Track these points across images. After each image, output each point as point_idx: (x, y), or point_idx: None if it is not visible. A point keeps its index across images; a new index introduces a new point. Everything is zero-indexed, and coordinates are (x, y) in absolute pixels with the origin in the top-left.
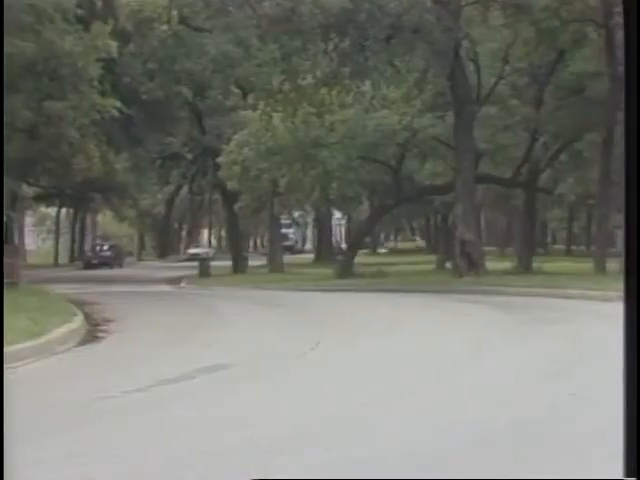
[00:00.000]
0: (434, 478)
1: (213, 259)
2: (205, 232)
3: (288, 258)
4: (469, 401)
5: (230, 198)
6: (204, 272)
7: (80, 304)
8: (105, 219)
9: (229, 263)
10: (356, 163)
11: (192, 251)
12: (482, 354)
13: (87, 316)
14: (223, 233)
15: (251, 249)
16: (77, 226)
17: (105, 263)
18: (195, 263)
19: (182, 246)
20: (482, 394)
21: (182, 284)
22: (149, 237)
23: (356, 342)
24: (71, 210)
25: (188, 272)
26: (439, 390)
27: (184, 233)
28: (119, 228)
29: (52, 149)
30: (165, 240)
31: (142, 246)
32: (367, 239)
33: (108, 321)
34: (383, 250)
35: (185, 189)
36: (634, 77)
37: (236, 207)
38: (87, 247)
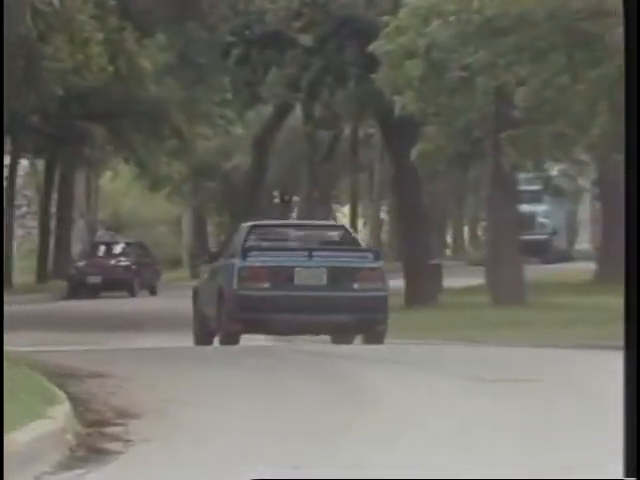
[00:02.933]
0: (434, 478)
1: None
2: (343, 211)
3: (535, 271)
4: None
5: (398, 135)
6: None
7: (63, 376)
8: (118, 184)
9: (396, 282)
10: None
11: None
12: None
13: (79, 403)
14: (383, 214)
15: (448, 251)
16: (52, 201)
17: (117, 284)
18: None
19: None
20: None
21: None
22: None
23: None
24: (41, 163)
25: None
26: None
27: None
28: (151, 206)
29: None
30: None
31: (201, 247)
32: None
33: (126, 416)
34: None
35: (296, 113)
36: (634, 77)
37: (412, 154)
38: (76, 249)
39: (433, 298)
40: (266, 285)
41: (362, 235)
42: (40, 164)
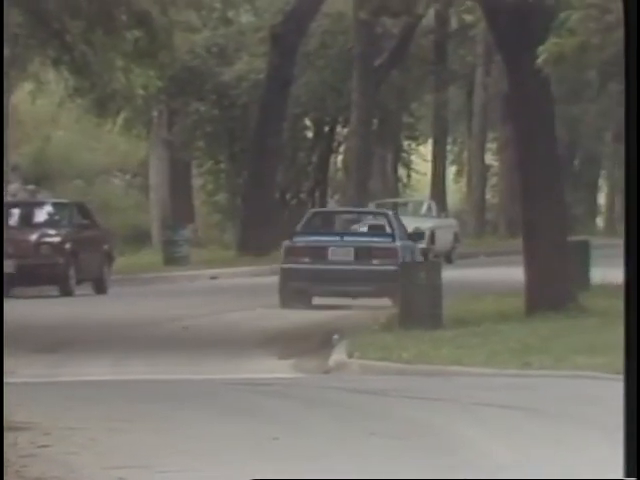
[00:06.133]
0: (440, 478)
1: (450, 256)
2: (420, 152)
3: None
4: None
5: (515, 25)
6: (426, 313)
7: None
8: (42, 105)
9: (512, 271)
10: None
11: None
12: None
13: None
14: (490, 157)
15: (600, 221)
16: None
17: (39, 275)
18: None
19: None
20: None
21: (339, 356)
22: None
23: None
24: None
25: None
26: None
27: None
28: (98, 143)
29: None
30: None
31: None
32: None
33: None
34: None
35: None
36: (634, 76)
37: (541, 56)
38: None
39: (571, 298)
40: (306, 260)
41: (452, 195)
42: None
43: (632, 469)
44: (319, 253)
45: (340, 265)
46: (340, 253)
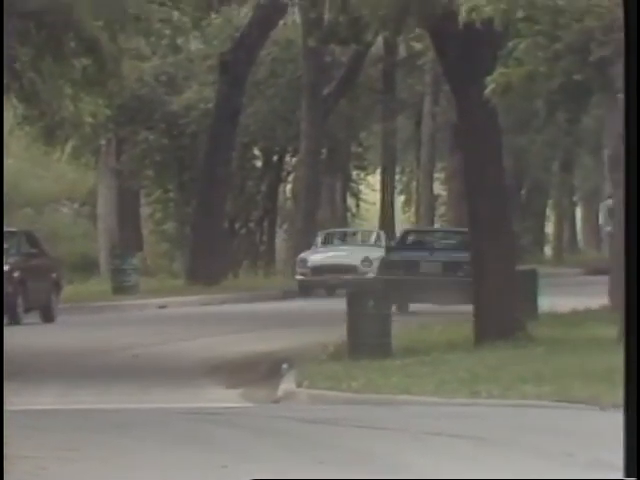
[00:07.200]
0: (433, 478)
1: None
2: (369, 182)
3: None
4: None
5: (463, 53)
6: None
7: None
8: None
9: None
10: None
11: (319, 257)
12: None
13: None
14: (438, 187)
15: (548, 249)
16: None
17: None
18: (336, 304)
19: (283, 239)
20: None
21: (288, 386)
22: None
23: None
24: None
25: (312, 338)
26: None
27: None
28: (46, 172)
29: None
30: (218, 216)
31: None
32: None
33: None
34: None
35: (292, 18)
36: (634, 77)
37: (488, 86)
38: None
39: (519, 327)
40: (400, 272)
41: (401, 224)
42: None
43: (632, 469)
44: (412, 266)
45: (430, 276)
46: (430, 266)
